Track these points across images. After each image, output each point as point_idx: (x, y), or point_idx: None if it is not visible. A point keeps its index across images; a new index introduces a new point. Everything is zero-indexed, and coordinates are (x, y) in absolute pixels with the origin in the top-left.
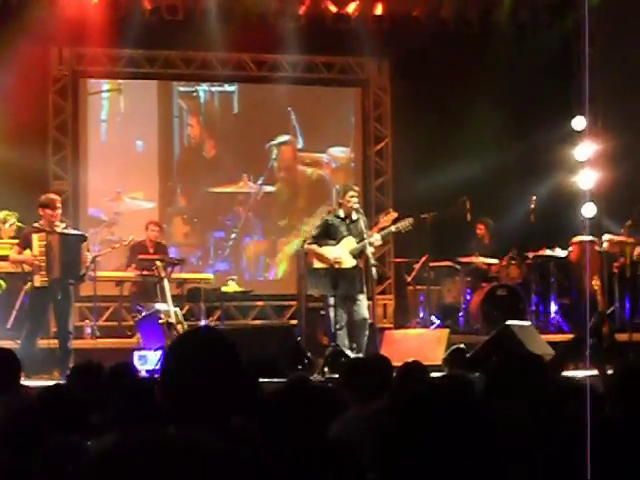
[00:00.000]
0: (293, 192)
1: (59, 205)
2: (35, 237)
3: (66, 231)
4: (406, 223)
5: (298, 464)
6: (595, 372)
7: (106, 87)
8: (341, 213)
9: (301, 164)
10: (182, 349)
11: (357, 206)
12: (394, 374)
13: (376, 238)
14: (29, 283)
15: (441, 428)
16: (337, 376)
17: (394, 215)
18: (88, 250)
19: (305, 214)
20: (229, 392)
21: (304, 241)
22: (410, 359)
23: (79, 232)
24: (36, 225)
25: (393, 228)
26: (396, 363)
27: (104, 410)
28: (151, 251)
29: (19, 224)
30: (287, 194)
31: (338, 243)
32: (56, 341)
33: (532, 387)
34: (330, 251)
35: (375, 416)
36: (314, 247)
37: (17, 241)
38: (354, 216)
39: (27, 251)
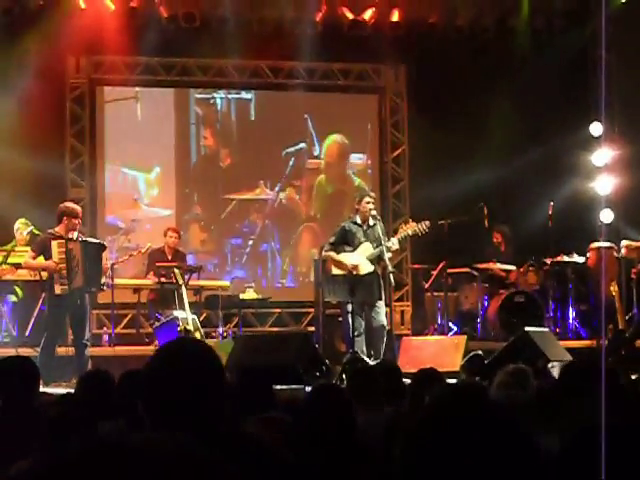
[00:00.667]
0: (337, 191)
1: (81, 215)
2: (54, 244)
3: (88, 239)
4: (423, 226)
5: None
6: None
7: (123, 95)
8: (358, 219)
9: (349, 169)
10: (160, 363)
11: (374, 212)
12: (410, 381)
13: (393, 242)
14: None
15: (464, 434)
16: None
17: (413, 225)
18: (107, 259)
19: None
20: (210, 402)
21: (321, 248)
22: (427, 366)
23: (98, 241)
24: (51, 231)
25: (410, 231)
26: (414, 370)
27: (116, 418)
28: (169, 258)
29: (36, 232)
30: (330, 189)
31: (355, 249)
32: (74, 349)
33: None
34: (348, 257)
35: (392, 422)
36: (332, 254)
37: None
38: (371, 222)
39: (41, 258)
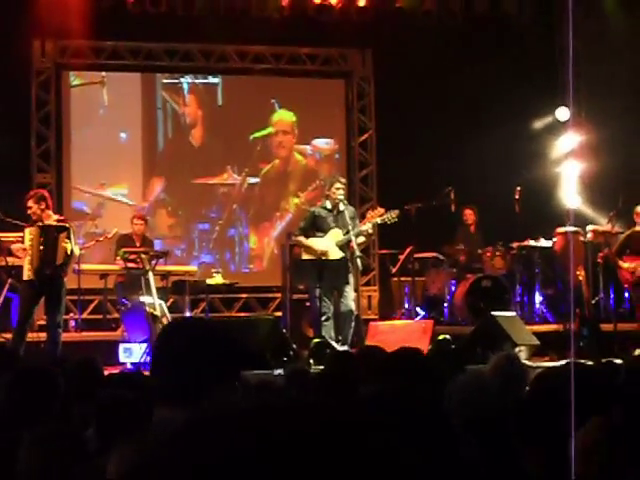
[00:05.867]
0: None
1: (29, 201)
2: (26, 231)
3: (46, 223)
4: (392, 215)
5: None
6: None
7: (89, 80)
8: (328, 204)
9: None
10: (173, 341)
11: (342, 197)
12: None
13: (368, 226)
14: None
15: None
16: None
17: (381, 210)
18: (68, 238)
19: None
20: (222, 381)
21: (289, 234)
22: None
23: (56, 224)
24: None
25: (379, 220)
26: None
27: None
28: (137, 244)
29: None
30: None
31: (325, 234)
32: (44, 334)
33: None
34: (317, 242)
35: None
36: (301, 239)
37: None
38: (341, 207)
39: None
